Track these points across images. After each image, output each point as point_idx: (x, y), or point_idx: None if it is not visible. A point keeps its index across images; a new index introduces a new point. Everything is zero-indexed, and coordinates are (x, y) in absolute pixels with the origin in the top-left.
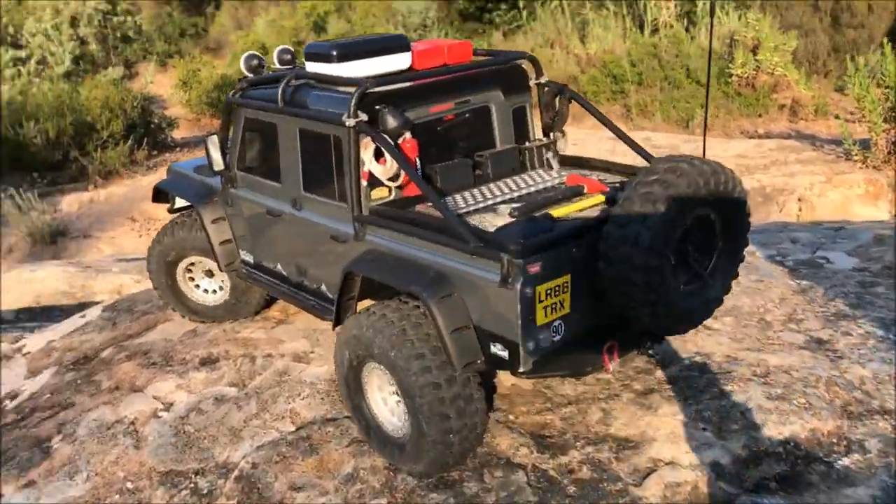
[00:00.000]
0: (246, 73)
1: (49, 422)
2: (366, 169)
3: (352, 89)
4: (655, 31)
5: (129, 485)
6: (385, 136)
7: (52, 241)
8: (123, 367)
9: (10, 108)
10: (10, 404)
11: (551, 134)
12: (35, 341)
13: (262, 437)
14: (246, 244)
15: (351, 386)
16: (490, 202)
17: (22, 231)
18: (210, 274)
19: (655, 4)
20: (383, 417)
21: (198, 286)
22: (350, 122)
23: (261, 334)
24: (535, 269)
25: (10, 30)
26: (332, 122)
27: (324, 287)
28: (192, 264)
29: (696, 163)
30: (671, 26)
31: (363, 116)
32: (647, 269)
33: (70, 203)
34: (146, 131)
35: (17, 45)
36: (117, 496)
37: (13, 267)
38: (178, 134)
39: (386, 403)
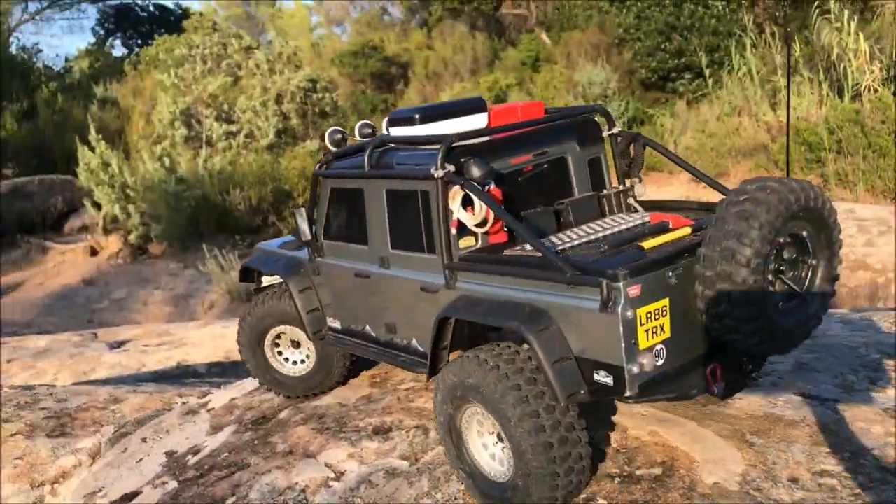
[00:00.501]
0: (331, 147)
1: (224, 482)
2: (454, 217)
3: (435, 147)
4: (857, 96)
5: None
6: (473, 183)
7: (248, 300)
8: (298, 430)
9: (219, 176)
10: (191, 459)
11: (627, 181)
12: (220, 398)
13: None
14: (333, 311)
15: (452, 435)
16: (577, 242)
17: (222, 288)
18: (296, 345)
19: (857, 68)
20: (485, 463)
21: (285, 358)
22: (439, 173)
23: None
24: (634, 291)
25: (225, 107)
26: (419, 177)
27: (414, 341)
28: (280, 336)
29: (784, 181)
30: (875, 90)
31: (450, 167)
32: (747, 285)
33: None
34: None
35: (229, 121)
36: None
37: (209, 322)
38: None
39: (486, 449)
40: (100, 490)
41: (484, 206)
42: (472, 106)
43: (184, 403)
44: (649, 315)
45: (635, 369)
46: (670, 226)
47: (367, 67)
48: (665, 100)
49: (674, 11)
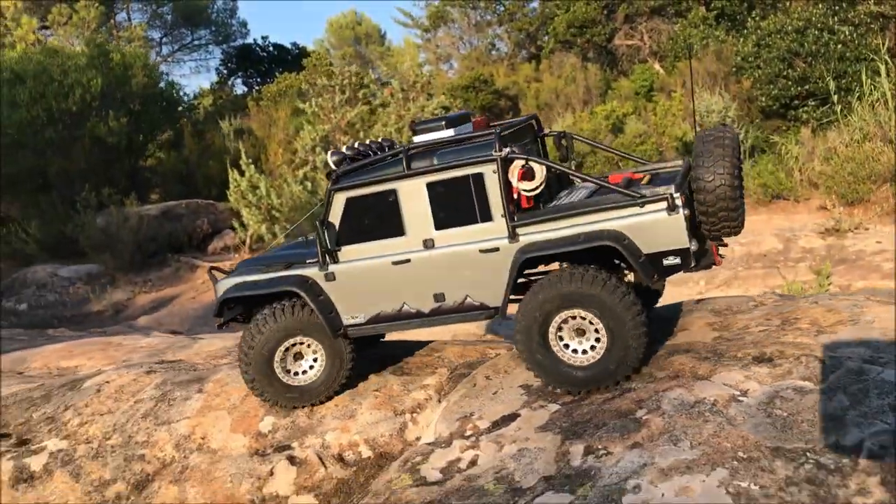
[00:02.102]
0: (333, 167)
1: (622, 400)
2: (517, 186)
3: (486, 138)
4: None
5: (741, 454)
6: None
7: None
8: (676, 359)
9: None
10: (558, 389)
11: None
12: None
13: (871, 427)
14: (354, 307)
15: (535, 340)
16: (585, 194)
17: None
18: (299, 356)
19: None
20: (569, 357)
21: (294, 372)
22: (504, 152)
23: (806, 339)
24: (682, 200)
25: (362, 134)
26: (475, 163)
27: (469, 299)
28: (286, 350)
29: (723, 127)
30: None
31: (506, 150)
32: (734, 189)
33: None
34: None
35: None
36: (735, 462)
37: None
38: None
39: (570, 345)
40: (471, 414)
41: (543, 174)
42: (466, 117)
43: (497, 354)
44: (685, 216)
45: (693, 247)
46: (634, 178)
47: (478, 100)
48: (787, 127)
49: (796, 38)
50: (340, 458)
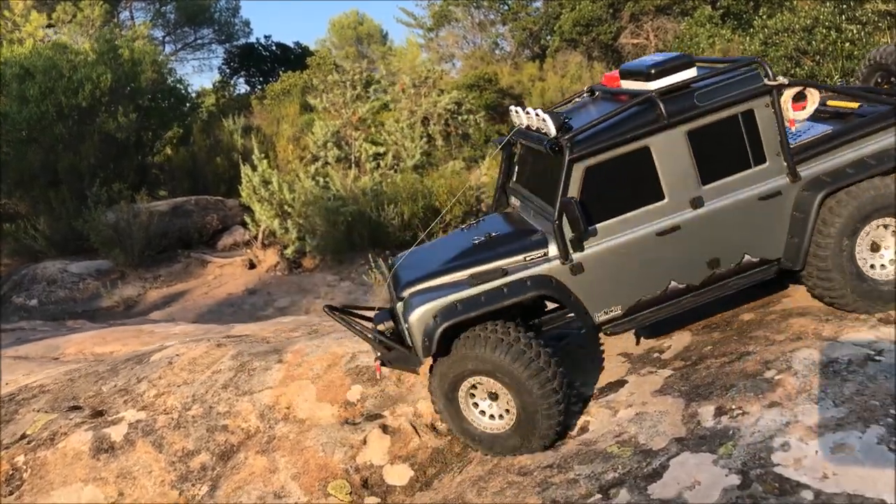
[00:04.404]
0: (553, 130)
1: (742, 363)
2: (790, 117)
3: (746, 70)
4: None
5: (892, 410)
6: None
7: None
8: (795, 321)
9: (373, 192)
10: (665, 355)
11: None
12: None
13: None
14: (608, 299)
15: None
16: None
17: (382, 297)
18: (494, 397)
19: None
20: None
21: (483, 411)
22: (780, 80)
23: None
24: None
25: (373, 129)
26: (745, 99)
27: (747, 257)
28: (475, 386)
29: None
30: None
31: (781, 78)
32: None
33: None
34: (478, 216)
35: (377, 143)
36: (889, 419)
37: None
38: None
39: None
40: (573, 382)
41: (816, 100)
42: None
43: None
44: None
45: None
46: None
47: (482, 99)
48: None
49: (804, 36)
50: (433, 428)
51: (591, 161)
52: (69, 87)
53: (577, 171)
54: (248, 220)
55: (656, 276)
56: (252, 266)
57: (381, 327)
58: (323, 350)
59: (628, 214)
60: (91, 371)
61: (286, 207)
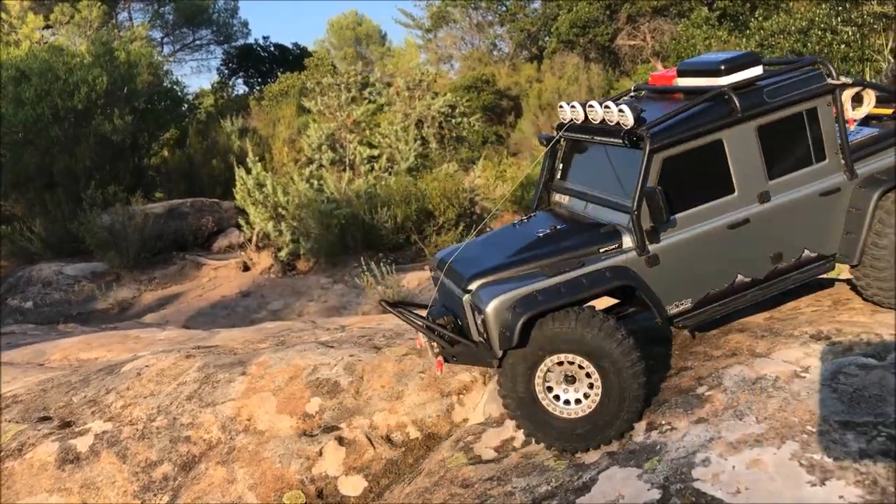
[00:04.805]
0: (631, 124)
1: (679, 378)
2: (850, 116)
3: (809, 69)
4: None
5: (809, 427)
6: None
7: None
8: (733, 337)
9: (367, 195)
10: None
11: None
12: None
13: None
14: (680, 293)
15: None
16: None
17: (375, 300)
18: (571, 380)
19: None
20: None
21: (557, 397)
22: (843, 80)
23: (862, 318)
24: None
25: (367, 132)
26: (810, 97)
27: (806, 252)
28: (550, 370)
29: None
30: None
31: (844, 78)
32: None
33: (410, 279)
34: (472, 219)
35: (371, 146)
36: (805, 435)
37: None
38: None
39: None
40: None
41: (872, 98)
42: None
43: None
44: None
45: None
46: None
47: (480, 100)
48: None
49: (800, 38)
50: (388, 439)
51: (669, 152)
52: (65, 89)
53: (656, 162)
54: (242, 222)
55: (725, 269)
56: (246, 268)
57: (441, 321)
58: (286, 363)
59: (701, 207)
60: (64, 381)
61: (280, 210)
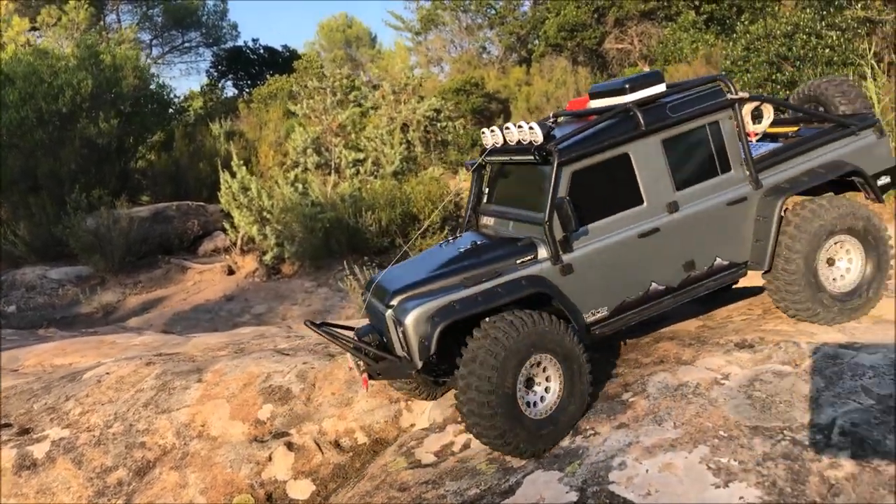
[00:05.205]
0: (539, 141)
1: (610, 384)
2: (751, 129)
3: (710, 86)
4: None
5: (721, 433)
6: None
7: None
8: (662, 345)
9: (351, 199)
10: None
11: None
12: None
13: (843, 406)
14: (594, 301)
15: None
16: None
17: (358, 303)
18: (529, 384)
19: None
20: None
21: (528, 403)
22: (742, 95)
23: (785, 327)
24: None
25: (353, 136)
26: (710, 112)
27: (718, 259)
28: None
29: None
30: None
31: (742, 93)
32: None
33: None
34: (457, 222)
35: (357, 149)
36: (716, 440)
37: None
38: None
39: None
40: None
41: (771, 112)
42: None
43: None
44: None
45: None
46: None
47: (469, 103)
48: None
49: (785, 42)
50: (337, 444)
51: (578, 165)
52: (49, 92)
53: (566, 175)
54: (227, 226)
55: (639, 277)
56: (231, 272)
57: (366, 339)
58: (241, 370)
59: (612, 218)
60: (26, 388)
61: (265, 214)
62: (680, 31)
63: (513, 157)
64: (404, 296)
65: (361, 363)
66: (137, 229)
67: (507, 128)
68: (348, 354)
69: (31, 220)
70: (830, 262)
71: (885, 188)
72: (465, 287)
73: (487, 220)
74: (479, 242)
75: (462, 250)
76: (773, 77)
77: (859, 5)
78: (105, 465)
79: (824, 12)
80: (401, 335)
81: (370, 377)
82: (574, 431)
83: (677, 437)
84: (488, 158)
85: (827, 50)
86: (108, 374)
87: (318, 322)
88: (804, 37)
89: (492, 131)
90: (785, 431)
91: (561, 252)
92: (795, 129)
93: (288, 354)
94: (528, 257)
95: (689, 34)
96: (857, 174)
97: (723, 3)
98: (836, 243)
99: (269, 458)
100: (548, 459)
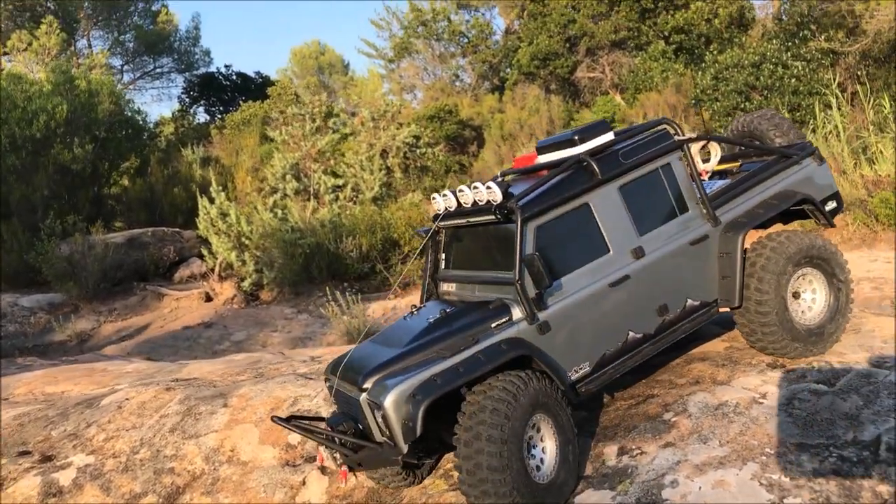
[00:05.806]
0: (499, 199)
1: (647, 405)
2: (702, 168)
3: (658, 130)
4: None
5: (768, 450)
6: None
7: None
8: (696, 366)
9: (331, 225)
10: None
11: None
12: None
13: (885, 423)
14: (575, 358)
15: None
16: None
17: (340, 330)
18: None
19: None
20: None
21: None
22: (689, 135)
23: None
24: None
25: (332, 162)
26: (661, 154)
27: (689, 301)
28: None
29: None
30: None
31: (689, 134)
32: None
33: (376, 309)
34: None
35: (336, 175)
36: (763, 457)
37: None
38: None
39: None
40: None
41: (718, 150)
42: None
43: None
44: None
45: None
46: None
47: (443, 130)
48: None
49: (753, 72)
50: None
51: (541, 220)
52: (23, 117)
53: (531, 231)
54: (205, 252)
55: (616, 327)
56: (209, 299)
57: (341, 429)
58: (267, 394)
59: (581, 269)
60: (41, 415)
61: (244, 240)
62: (650, 61)
63: (470, 220)
64: (378, 376)
65: (338, 455)
66: (112, 255)
67: (461, 190)
68: (320, 448)
69: (2, 247)
70: (796, 295)
71: (833, 213)
72: (443, 359)
73: (448, 287)
74: (447, 310)
75: (431, 320)
76: (742, 106)
77: (823, 37)
78: (134, 490)
79: (789, 43)
80: (380, 419)
81: (350, 469)
82: (620, 451)
83: (725, 454)
84: (442, 224)
85: (793, 80)
86: (127, 399)
87: (285, 417)
88: (771, 66)
89: (443, 196)
90: (831, 448)
91: (536, 310)
92: (738, 164)
93: (312, 378)
94: (503, 320)
95: (659, 63)
96: (807, 202)
97: (692, 34)
98: (800, 276)
99: (303, 483)
100: (597, 479)
